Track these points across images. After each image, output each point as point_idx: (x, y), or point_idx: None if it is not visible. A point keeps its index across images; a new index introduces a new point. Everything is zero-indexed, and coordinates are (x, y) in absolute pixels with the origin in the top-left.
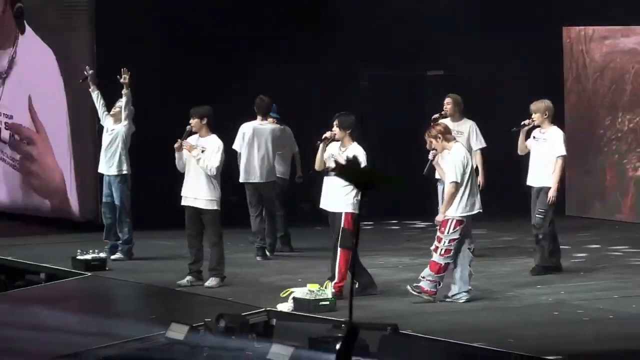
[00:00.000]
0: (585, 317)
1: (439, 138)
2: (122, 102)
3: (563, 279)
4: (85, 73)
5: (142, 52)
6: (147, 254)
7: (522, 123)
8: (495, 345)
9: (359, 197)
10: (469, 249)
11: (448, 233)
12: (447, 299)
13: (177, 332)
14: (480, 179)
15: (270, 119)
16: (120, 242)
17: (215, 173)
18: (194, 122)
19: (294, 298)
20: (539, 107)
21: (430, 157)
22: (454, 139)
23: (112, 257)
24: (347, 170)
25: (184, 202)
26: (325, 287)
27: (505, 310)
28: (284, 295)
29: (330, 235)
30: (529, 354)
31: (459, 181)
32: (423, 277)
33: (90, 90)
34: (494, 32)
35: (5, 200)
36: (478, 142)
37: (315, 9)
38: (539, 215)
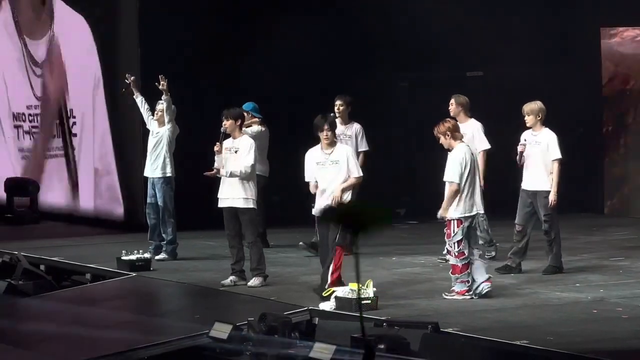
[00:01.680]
0: (624, 315)
1: (447, 135)
2: (162, 105)
3: (602, 277)
4: (126, 81)
5: (182, 56)
6: (191, 254)
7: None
8: (535, 343)
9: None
10: (476, 249)
11: (453, 236)
12: (473, 296)
13: (221, 331)
14: (480, 180)
15: (253, 118)
16: (165, 242)
17: (250, 171)
18: (228, 123)
19: (336, 297)
20: (533, 109)
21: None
22: (461, 137)
23: (157, 257)
24: (336, 214)
25: (221, 204)
26: (367, 286)
27: (545, 308)
28: (326, 294)
29: (320, 236)
30: (568, 351)
31: (456, 181)
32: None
33: (134, 97)
34: (533, 32)
35: (55, 202)
36: (481, 144)
37: (353, 11)
38: (546, 222)
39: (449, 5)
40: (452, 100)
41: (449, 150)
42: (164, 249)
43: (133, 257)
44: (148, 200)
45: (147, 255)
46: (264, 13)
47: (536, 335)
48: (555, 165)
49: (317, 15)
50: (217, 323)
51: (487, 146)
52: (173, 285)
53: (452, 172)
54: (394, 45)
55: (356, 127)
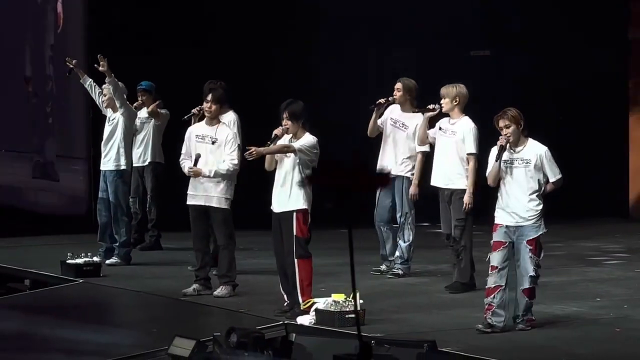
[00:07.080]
0: None
1: (520, 124)
2: (108, 89)
3: (626, 292)
4: (69, 65)
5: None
6: (147, 259)
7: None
8: None
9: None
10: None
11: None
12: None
13: (182, 347)
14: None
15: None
16: (117, 244)
17: (238, 168)
18: (214, 108)
19: (316, 310)
20: (449, 92)
21: (503, 142)
22: None
23: (107, 261)
24: (324, 175)
25: (190, 201)
26: (353, 298)
27: (560, 326)
28: (305, 306)
29: (278, 241)
30: None
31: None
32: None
33: (81, 81)
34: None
35: None
36: (422, 145)
37: None
38: (457, 227)
39: None
40: (399, 85)
41: (510, 147)
42: (116, 252)
43: (80, 260)
44: (99, 195)
45: (96, 258)
46: None
47: (550, 357)
48: (472, 162)
49: None
50: (177, 338)
51: (426, 149)
52: (126, 294)
53: (557, 168)
54: (384, 21)
55: (231, 117)
